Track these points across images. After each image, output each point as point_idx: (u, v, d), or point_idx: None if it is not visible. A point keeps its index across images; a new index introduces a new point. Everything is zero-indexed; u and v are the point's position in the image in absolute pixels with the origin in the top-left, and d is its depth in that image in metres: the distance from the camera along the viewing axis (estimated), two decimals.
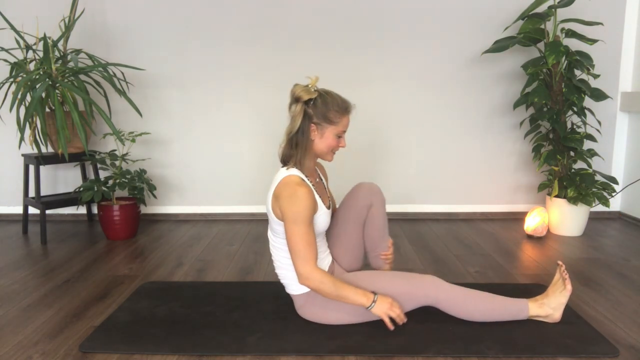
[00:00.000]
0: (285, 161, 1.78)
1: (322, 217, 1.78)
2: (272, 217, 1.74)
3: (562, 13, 3.18)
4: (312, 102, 1.71)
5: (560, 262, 1.84)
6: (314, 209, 1.68)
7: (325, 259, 1.86)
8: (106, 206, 2.95)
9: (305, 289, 1.78)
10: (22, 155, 3.16)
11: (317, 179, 1.88)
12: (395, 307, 1.69)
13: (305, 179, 1.75)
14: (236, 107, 3.42)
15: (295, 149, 1.74)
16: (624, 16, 3.30)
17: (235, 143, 3.46)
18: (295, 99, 1.72)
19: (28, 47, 2.96)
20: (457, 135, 3.44)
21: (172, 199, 3.55)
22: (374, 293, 1.70)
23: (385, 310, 1.68)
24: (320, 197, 1.80)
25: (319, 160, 1.91)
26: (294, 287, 1.80)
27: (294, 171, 1.73)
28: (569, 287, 1.78)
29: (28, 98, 2.95)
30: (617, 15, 3.29)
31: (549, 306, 1.80)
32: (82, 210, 3.56)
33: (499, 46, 3.01)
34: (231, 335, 1.75)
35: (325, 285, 1.64)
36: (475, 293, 1.79)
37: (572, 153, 3.03)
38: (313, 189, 1.75)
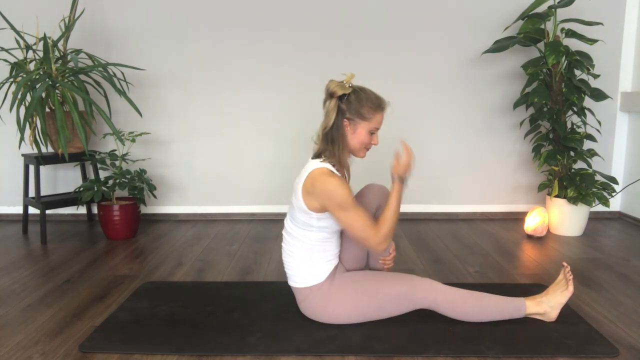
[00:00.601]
0: (320, 156, 1.77)
1: None
2: (301, 206, 1.72)
3: (562, 13, 3.18)
4: (345, 98, 1.72)
5: (565, 264, 1.85)
6: (351, 191, 1.69)
7: (332, 261, 1.83)
8: (106, 206, 2.95)
9: (308, 284, 1.78)
10: (22, 155, 3.17)
11: (344, 176, 1.89)
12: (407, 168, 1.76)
13: (335, 172, 1.75)
14: (236, 107, 3.42)
15: (332, 145, 1.74)
16: (624, 16, 3.30)
17: (236, 143, 3.46)
18: (330, 95, 1.73)
19: (28, 47, 2.96)
20: (457, 135, 3.44)
21: (172, 199, 3.55)
22: (400, 180, 1.75)
23: (402, 174, 1.76)
24: None
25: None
26: (297, 279, 1.81)
27: (326, 164, 1.73)
28: (570, 288, 1.80)
29: (28, 98, 2.95)
30: (617, 15, 3.29)
31: (547, 304, 1.80)
32: (82, 210, 3.56)
33: (499, 46, 3.01)
34: (231, 335, 1.75)
35: (389, 226, 1.70)
36: (473, 294, 1.80)
37: (572, 153, 3.03)
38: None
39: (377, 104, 1.73)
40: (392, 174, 1.76)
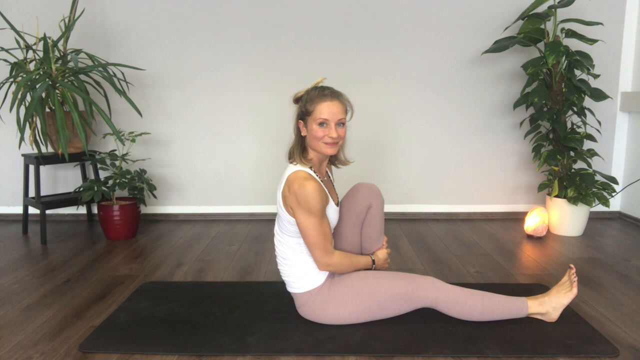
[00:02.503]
0: (290, 158, 1.83)
1: (332, 214, 1.81)
2: (283, 214, 1.75)
3: (562, 13, 3.18)
4: (300, 101, 1.79)
5: (572, 265, 1.85)
6: (325, 200, 1.71)
7: None
8: (106, 206, 2.95)
9: (307, 288, 1.78)
10: (22, 155, 3.17)
11: (326, 177, 1.90)
12: (387, 259, 1.99)
13: (313, 174, 1.76)
14: (236, 107, 3.42)
15: (294, 146, 1.81)
16: (624, 16, 3.30)
17: (235, 143, 3.47)
18: (293, 102, 1.82)
19: (28, 47, 2.96)
20: (457, 135, 3.44)
21: (172, 199, 3.55)
22: (371, 256, 1.94)
23: (383, 263, 1.96)
24: (329, 193, 1.82)
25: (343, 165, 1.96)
26: (295, 285, 1.81)
27: (300, 167, 1.75)
28: (574, 290, 1.80)
29: (28, 98, 2.95)
30: (617, 15, 3.29)
31: (550, 304, 1.80)
32: (82, 210, 3.56)
33: (499, 46, 3.01)
34: (231, 335, 1.75)
35: (343, 265, 1.78)
36: (474, 293, 1.79)
37: (572, 153, 3.03)
38: (322, 184, 1.76)
39: (318, 94, 1.73)
40: (376, 258, 1.93)
